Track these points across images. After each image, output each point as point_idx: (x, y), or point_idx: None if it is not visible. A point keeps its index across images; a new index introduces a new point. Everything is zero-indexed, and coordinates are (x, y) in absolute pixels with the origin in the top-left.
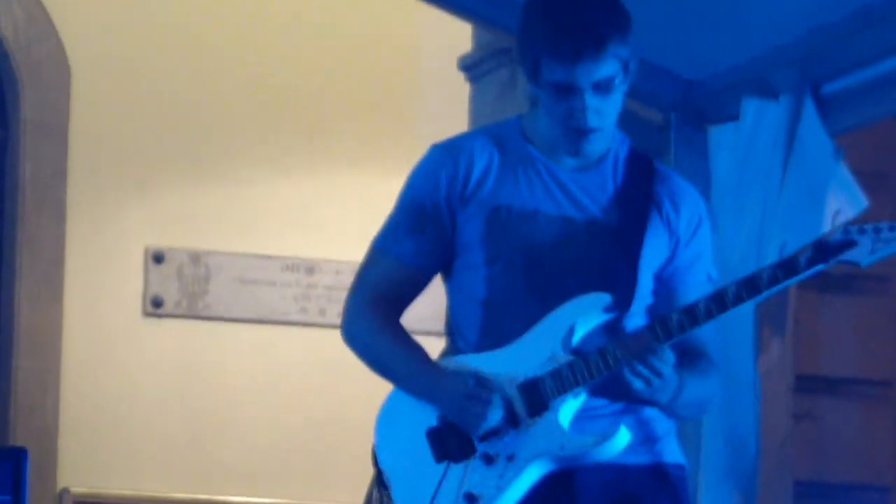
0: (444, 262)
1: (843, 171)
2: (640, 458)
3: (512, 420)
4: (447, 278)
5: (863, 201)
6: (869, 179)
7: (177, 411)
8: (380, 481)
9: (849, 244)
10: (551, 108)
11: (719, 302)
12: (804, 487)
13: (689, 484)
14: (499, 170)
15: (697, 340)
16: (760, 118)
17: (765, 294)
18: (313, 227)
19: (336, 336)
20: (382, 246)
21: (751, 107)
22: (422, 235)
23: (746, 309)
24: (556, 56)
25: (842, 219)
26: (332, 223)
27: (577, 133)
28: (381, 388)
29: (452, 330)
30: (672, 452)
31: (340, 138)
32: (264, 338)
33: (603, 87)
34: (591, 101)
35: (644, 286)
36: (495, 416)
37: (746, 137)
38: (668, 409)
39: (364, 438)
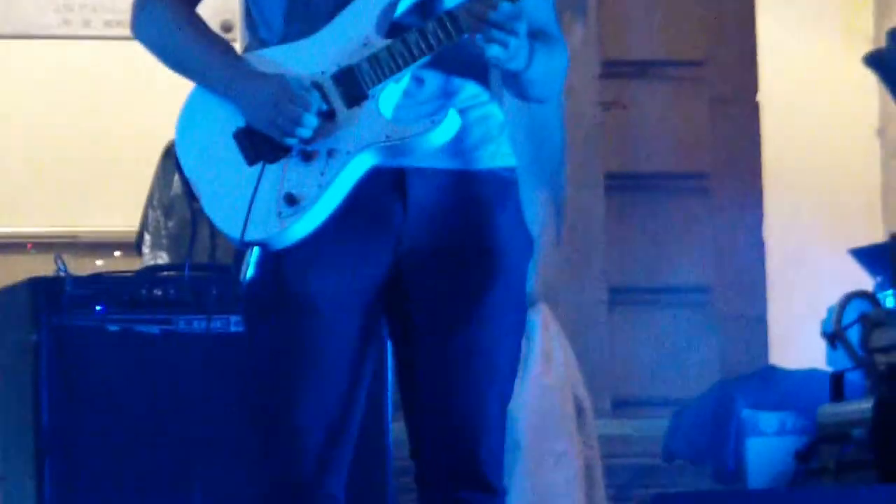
0: None
1: None
2: (474, 163)
3: (329, 114)
4: None
5: None
6: None
7: None
8: (189, 193)
9: None
10: None
11: None
12: (615, 179)
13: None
14: None
15: (539, 20)
16: None
17: None
18: None
19: (104, 48)
20: None
21: None
22: None
23: None
24: None
25: None
26: None
27: None
28: (156, 101)
29: (254, 21)
30: (506, 156)
31: None
32: (24, 54)
33: None
34: None
35: None
36: (311, 122)
37: None
38: (519, 84)
39: (138, 157)
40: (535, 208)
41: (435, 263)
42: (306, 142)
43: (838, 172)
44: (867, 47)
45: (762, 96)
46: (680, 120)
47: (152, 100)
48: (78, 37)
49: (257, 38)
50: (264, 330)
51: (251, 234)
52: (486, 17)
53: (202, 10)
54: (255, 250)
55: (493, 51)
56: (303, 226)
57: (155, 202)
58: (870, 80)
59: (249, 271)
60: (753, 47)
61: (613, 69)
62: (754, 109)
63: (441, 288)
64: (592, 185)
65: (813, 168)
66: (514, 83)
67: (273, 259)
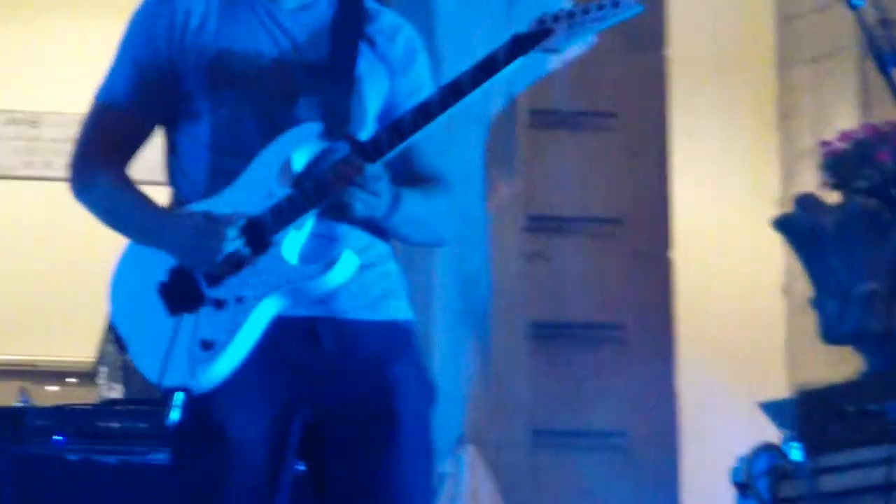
0: (165, 110)
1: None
2: (378, 315)
3: (237, 262)
4: (170, 127)
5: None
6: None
7: None
8: (120, 344)
9: (544, 33)
10: None
11: (424, 111)
12: (539, 328)
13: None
14: (218, 14)
15: (426, 166)
16: None
17: (470, 95)
18: (34, 79)
19: (64, 188)
20: (101, 96)
21: None
22: (140, 83)
23: (474, 151)
24: None
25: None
26: (54, 73)
27: None
28: (112, 240)
29: (177, 179)
30: (405, 310)
31: None
32: None
33: None
34: None
35: (369, 120)
36: (230, 247)
37: None
38: (390, 228)
39: (95, 291)
40: (463, 353)
41: (344, 413)
42: (218, 290)
43: (746, 326)
44: (773, 209)
45: (675, 252)
46: (598, 273)
47: (111, 240)
48: (40, 178)
49: (180, 194)
50: (187, 464)
51: (170, 380)
52: (351, 177)
53: None
54: (179, 394)
55: (356, 207)
56: (217, 370)
57: (111, 337)
58: (776, 241)
59: (174, 413)
60: (667, 206)
61: (537, 223)
62: (667, 265)
63: (350, 438)
64: (517, 332)
65: (723, 322)
66: (375, 228)
67: (195, 402)
